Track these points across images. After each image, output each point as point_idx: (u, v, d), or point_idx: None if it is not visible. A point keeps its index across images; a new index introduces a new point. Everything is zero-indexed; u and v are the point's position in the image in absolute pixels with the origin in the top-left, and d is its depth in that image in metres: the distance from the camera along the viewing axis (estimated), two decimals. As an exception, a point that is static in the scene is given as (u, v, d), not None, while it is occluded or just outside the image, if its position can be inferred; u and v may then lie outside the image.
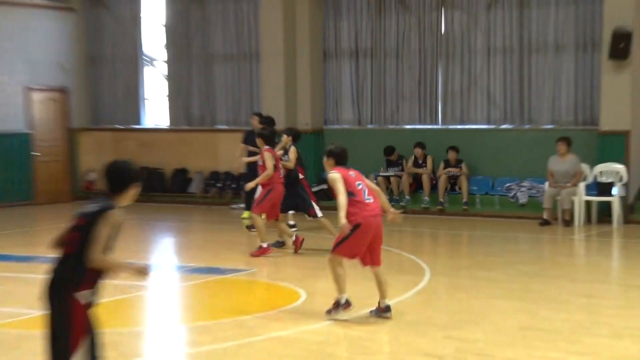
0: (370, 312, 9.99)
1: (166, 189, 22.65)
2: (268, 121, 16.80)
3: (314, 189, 20.20)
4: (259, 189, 14.62)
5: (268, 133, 14.55)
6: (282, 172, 14.43)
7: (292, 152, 14.97)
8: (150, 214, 20.23)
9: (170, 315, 11.40)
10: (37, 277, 13.49)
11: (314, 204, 14.89)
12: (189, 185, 22.48)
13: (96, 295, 6.16)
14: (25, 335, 9.75)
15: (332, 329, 9.67)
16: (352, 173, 9.81)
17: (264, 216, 14.35)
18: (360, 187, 9.70)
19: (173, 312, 11.60)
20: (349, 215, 9.51)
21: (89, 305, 6.09)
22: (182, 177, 22.65)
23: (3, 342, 9.52)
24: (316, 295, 11.43)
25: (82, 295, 6.02)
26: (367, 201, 9.66)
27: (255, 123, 17.44)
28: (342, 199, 9.48)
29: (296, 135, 15.64)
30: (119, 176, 6.23)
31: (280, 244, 14.83)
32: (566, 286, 12.24)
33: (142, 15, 23.51)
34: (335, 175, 9.62)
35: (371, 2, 20.98)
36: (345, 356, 8.90)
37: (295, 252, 14.33)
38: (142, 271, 6.27)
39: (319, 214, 14.81)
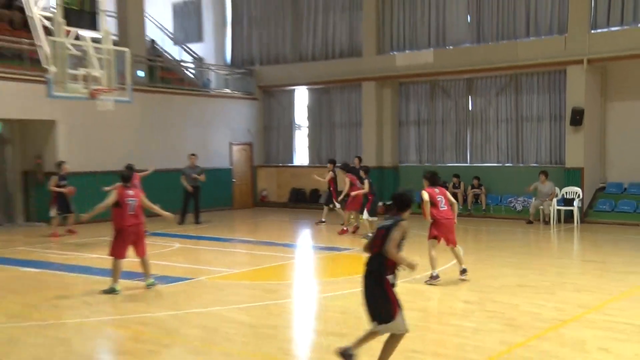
0: (461, 273, 9.64)
1: (306, 201, 22.60)
2: (333, 160, 16.98)
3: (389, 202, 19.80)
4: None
5: (347, 168, 15.88)
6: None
7: (366, 184, 14.58)
8: (297, 216, 20.23)
9: (308, 274, 11.39)
10: (234, 250, 13.84)
11: (365, 210, 14.33)
12: (319, 198, 22.41)
13: (396, 279, 5.63)
14: (227, 284, 9.91)
15: (405, 284, 9.37)
16: (437, 190, 9.53)
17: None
18: (439, 199, 9.44)
19: (310, 272, 11.59)
20: (431, 214, 9.41)
21: (393, 285, 5.58)
22: (315, 194, 22.63)
23: (214, 287, 9.66)
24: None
25: (389, 278, 5.56)
26: (442, 209, 9.44)
27: (357, 162, 17.31)
28: (427, 209, 9.37)
29: (366, 170, 15.21)
30: (404, 201, 5.71)
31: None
32: (545, 260, 11.87)
33: (294, 101, 23.64)
34: (424, 193, 9.43)
35: (427, 92, 20.66)
36: (412, 300, 8.65)
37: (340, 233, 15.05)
38: (412, 266, 5.59)
39: (364, 216, 14.32)
